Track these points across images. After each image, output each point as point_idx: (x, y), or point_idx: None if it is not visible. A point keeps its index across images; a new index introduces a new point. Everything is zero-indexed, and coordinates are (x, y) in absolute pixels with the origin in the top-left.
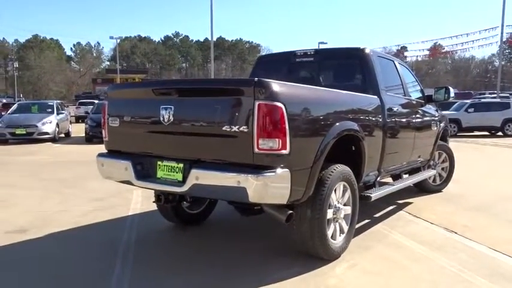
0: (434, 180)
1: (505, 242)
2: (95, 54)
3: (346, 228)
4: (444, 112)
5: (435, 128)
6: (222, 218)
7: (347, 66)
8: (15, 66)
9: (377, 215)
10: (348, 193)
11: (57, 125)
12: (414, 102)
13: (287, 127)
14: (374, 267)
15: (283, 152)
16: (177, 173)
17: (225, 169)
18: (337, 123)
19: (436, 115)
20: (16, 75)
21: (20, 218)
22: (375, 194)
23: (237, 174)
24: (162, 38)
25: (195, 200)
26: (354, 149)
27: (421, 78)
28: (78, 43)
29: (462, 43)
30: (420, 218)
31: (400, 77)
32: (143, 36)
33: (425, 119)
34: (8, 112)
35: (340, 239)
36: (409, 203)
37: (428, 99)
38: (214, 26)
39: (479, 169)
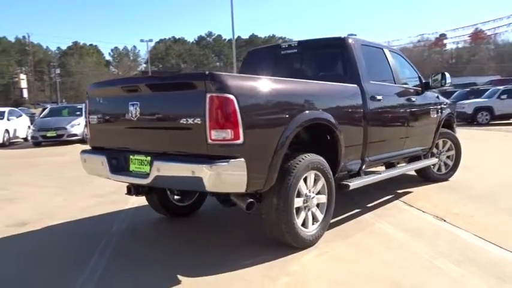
0: (439, 169)
1: (492, 229)
2: (131, 58)
3: (320, 216)
4: (476, 100)
5: (435, 116)
6: (212, 210)
7: (328, 56)
8: (57, 72)
9: (370, 204)
10: (322, 182)
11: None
12: (407, 89)
13: (239, 118)
14: (344, 254)
15: (237, 142)
16: (145, 165)
17: (183, 160)
18: (301, 114)
19: (436, 102)
20: (58, 82)
21: (24, 213)
22: (354, 183)
23: (192, 164)
24: (196, 39)
25: (185, 193)
26: (329, 138)
27: (462, 66)
28: (116, 48)
29: (506, 25)
30: (414, 206)
31: (389, 65)
32: (177, 37)
33: (422, 106)
34: (40, 116)
35: (313, 228)
36: (409, 192)
37: (426, 86)
38: (247, 23)
39: (499, 158)
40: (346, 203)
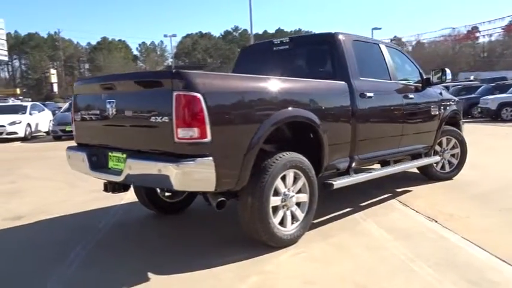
0: (443, 168)
1: (483, 231)
2: (158, 52)
3: (301, 216)
4: (500, 95)
5: (436, 113)
6: (203, 207)
7: (318, 53)
8: (86, 67)
9: (364, 203)
10: (302, 181)
11: None
12: (404, 86)
13: (206, 116)
14: (322, 255)
15: (204, 140)
16: (121, 163)
17: (152, 159)
18: (277, 112)
19: (438, 99)
20: (88, 77)
21: (24, 207)
22: (338, 182)
23: (160, 163)
24: (222, 33)
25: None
26: (312, 136)
27: (495, 59)
28: (143, 43)
29: None
30: (409, 206)
31: (385, 61)
32: (204, 32)
33: (421, 103)
34: (61, 110)
35: (292, 227)
36: (408, 191)
37: (427, 83)
38: (274, 17)
39: None
40: (340, 202)
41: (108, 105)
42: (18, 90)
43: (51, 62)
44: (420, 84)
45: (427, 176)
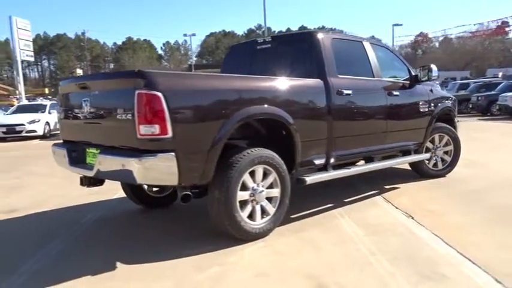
0: (435, 165)
1: (454, 228)
2: (182, 51)
3: (272, 210)
4: None
5: (426, 110)
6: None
7: (298, 51)
8: (110, 67)
9: (348, 199)
10: (273, 176)
11: None
12: (388, 83)
13: (167, 114)
14: (287, 248)
15: (166, 136)
16: (95, 158)
17: (117, 154)
18: (242, 110)
19: (428, 96)
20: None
21: (22, 201)
22: (311, 178)
23: (123, 158)
24: (246, 31)
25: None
26: (284, 133)
27: None
28: (167, 42)
29: None
30: (391, 203)
31: (368, 59)
32: (227, 31)
33: (408, 100)
34: None
35: (261, 221)
36: (396, 188)
37: (415, 80)
38: (297, 15)
39: None
40: (324, 197)
41: (83, 104)
42: (46, 90)
43: (78, 62)
44: (408, 82)
45: (419, 173)
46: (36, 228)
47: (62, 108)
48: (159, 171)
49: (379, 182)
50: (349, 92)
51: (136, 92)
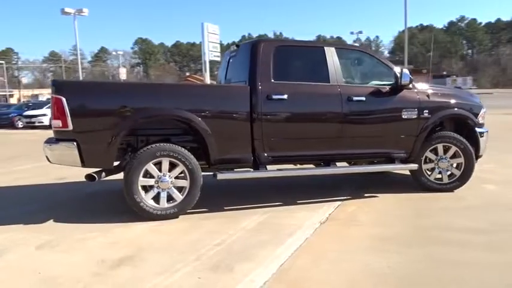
0: (440, 178)
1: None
2: (373, 48)
3: (179, 198)
4: None
5: (413, 117)
6: None
7: (245, 59)
8: None
9: (302, 201)
10: (181, 168)
11: None
12: (351, 88)
13: (67, 111)
14: (169, 230)
15: (67, 129)
16: None
17: (45, 142)
18: (143, 111)
19: (417, 103)
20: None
21: (67, 173)
22: (222, 175)
23: (44, 144)
24: (446, 25)
25: None
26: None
27: None
28: (358, 38)
29: None
30: (334, 211)
31: (326, 64)
32: (425, 24)
33: (380, 106)
34: None
35: (166, 205)
36: (373, 197)
37: (401, 85)
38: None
39: None
40: (280, 196)
41: None
42: None
43: None
44: (388, 87)
45: (420, 185)
46: (29, 197)
47: None
48: (64, 155)
49: (364, 189)
50: (283, 96)
51: (51, 95)
